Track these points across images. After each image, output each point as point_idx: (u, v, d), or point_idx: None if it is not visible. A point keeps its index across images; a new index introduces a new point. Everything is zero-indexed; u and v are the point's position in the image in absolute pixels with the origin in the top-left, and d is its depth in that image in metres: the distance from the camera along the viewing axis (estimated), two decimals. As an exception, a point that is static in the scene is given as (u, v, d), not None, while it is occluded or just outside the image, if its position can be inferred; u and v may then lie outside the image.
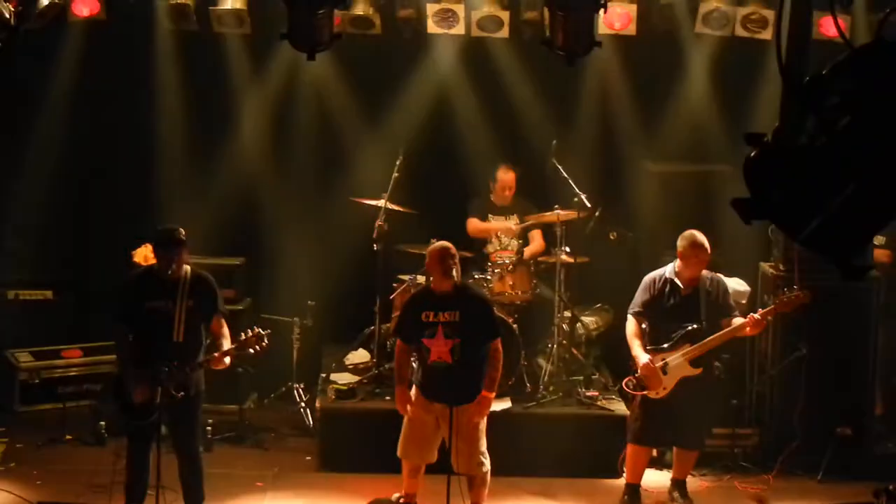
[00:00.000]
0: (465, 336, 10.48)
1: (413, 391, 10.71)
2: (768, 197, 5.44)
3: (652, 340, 11.13)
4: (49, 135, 13.96)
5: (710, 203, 13.19)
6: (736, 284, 12.52)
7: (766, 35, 12.97)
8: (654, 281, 11.21)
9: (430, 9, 13.23)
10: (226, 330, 10.49)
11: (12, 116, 13.88)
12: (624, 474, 11.56)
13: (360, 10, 13.32)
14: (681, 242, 11.04)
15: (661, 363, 10.98)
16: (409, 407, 10.64)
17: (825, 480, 12.22)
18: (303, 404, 13.35)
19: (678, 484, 11.46)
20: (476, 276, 13.08)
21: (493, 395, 10.76)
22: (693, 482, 11.75)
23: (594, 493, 11.99)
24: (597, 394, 12.84)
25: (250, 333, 10.31)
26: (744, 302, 12.49)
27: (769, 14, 13.00)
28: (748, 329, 10.93)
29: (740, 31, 13.13)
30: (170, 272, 10.19)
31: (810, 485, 12.22)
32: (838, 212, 4.81)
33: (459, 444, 10.39)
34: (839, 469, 12.25)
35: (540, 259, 13.53)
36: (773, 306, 11.11)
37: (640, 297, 11.25)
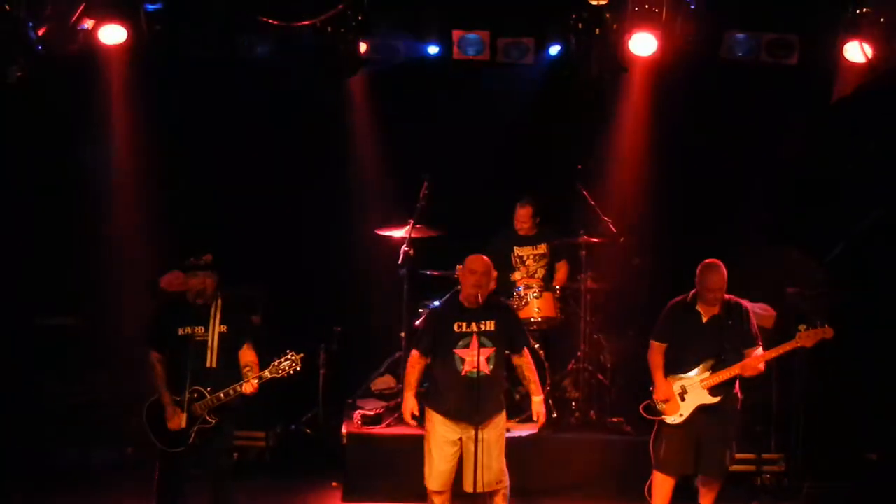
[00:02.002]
0: (499, 345, 10.55)
1: (435, 418, 10.60)
2: (794, 221, 5.49)
3: (672, 366, 11.10)
4: (72, 159, 13.99)
5: (734, 228, 13.23)
6: (761, 310, 12.50)
7: (791, 61, 12.98)
8: (675, 307, 11.20)
9: (456, 35, 13.28)
10: (254, 356, 10.54)
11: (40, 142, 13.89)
12: (650, 501, 11.53)
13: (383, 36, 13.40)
14: (698, 271, 11.02)
15: (679, 389, 10.99)
16: (429, 436, 10.59)
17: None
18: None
19: (705, 510, 11.44)
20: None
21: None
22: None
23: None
24: (622, 419, 12.82)
25: (284, 357, 10.33)
26: (769, 327, 12.47)
27: (794, 40, 12.99)
28: (746, 371, 10.92)
29: (765, 58, 13.12)
30: (200, 298, 10.24)
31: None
32: (864, 235, 4.84)
33: (485, 460, 10.40)
34: (867, 494, 12.20)
35: (565, 284, 13.55)
36: (791, 342, 10.95)
37: (661, 323, 11.24)
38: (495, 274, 10.73)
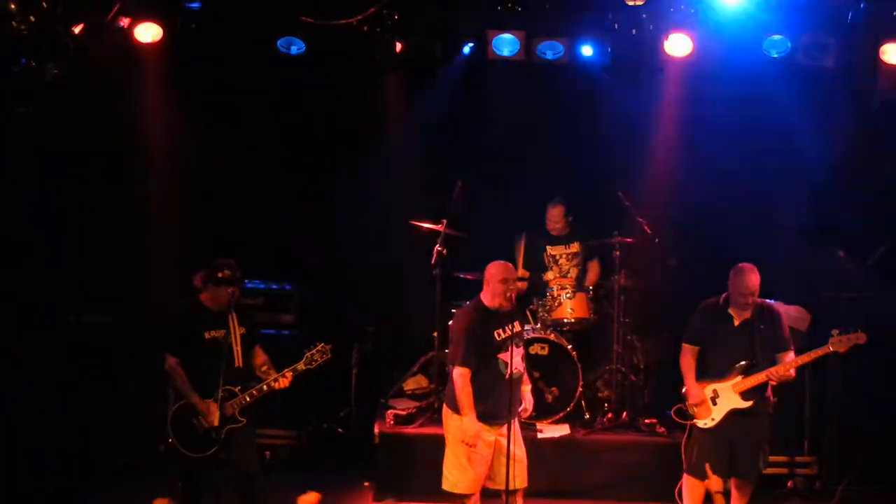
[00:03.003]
0: (523, 343, 10.73)
1: (479, 424, 10.56)
2: (837, 221, 5.46)
3: (704, 370, 11.11)
4: (106, 156, 14.03)
5: (773, 229, 13.19)
6: (795, 313, 12.47)
7: (828, 63, 12.92)
8: (706, 310, 11.18)
9: (491, 35, 13.27)
10: (265, 355, 10.73)
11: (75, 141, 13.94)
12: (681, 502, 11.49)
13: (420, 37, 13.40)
14: (731, 274, 10.98)
15: (711, 393, 10.96)
16: (459, 441, 10.55)
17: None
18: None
19: (737, 513, 11.40)
20: (536, 302, 13.13)
21: None
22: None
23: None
24: (654, 421, 12.80)
25: (315, 349, 10.41)
26: (804, 330, 12.43)
27: (830, 42, 12.92)
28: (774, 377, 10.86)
29: (801, 59, 13.06)
30: (224, 305, 10.35)
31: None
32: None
33: (518, 453, 10.51)
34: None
35: (598, 284, 13.54)
36: (823, 348, 10.84)
37: (693, 326, 11.23)
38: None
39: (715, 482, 11.08)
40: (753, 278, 10.82)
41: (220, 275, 10.42)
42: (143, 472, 12.60)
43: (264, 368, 10.60)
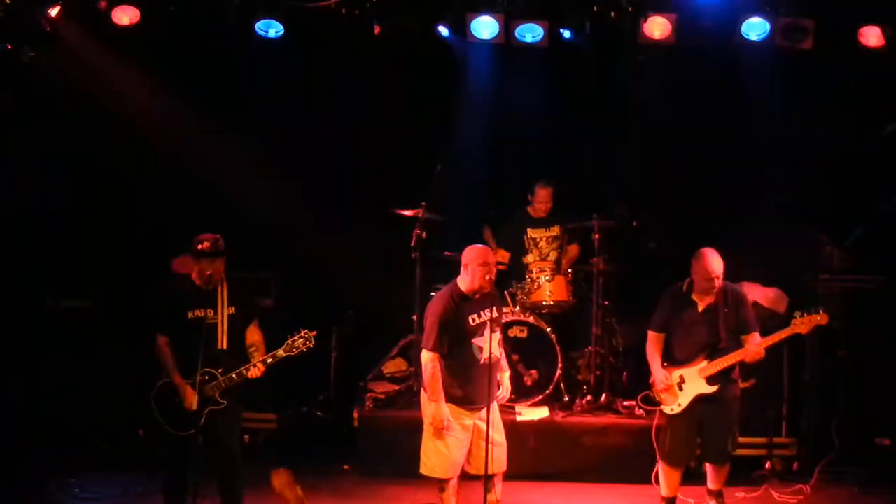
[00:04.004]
0: (499, 327, 10.66)
1: (447, 410, 10.52)
2: (814, 203, 5.48)
3: (671, 356, 11.13)
4: (85, 140, 13.96)
5: (752, 211, 13.22)
6: (773, 295, 12.50)
7: (807, 45, 12.93)
8: (670, 296, 11.20)
9: (470, 17, 13.25)
10: (260, 336, 10.53)
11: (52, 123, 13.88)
12: (660, 490, 11.50)
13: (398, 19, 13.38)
14: (693, 259, 10.99)
15: (677, 379, 11.00)
16: (448, 426, 10.50)
17: (864, 491, 12.18)
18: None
19: (714, 494, 11.39)
20: (515, 285, 13.14)
21: None
22: (729, 492, 11.67)
23: (629, 499, 12.02)
24: (633, 403, 12.82)
25: (298, 335, 10.26)
26: (782, 312, 12.47)
27: (809, 24, 12.93)
28: (746, 358, 10.90)
29: (780, 41, 13.06)
30: (209, 280, 10.22)
31: (849, 495, 12.17)
32: (885, 217, 4.83)
33: (496, 437, 10.47)
34: (878, 479, 12.21)
35: (577, 267, 13.55)
36: (787, 329, 10.93)
37: (657, 313, 11.24)
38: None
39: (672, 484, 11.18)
40: (715, 262, 10.81)
41: (199, 248, 10.20)
42: (123, 456, 12.61)
43: (252, 350, 10.41)
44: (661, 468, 11.31)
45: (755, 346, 10.78)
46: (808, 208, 13.48)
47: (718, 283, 10.85)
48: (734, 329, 10.92)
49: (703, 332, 10.94)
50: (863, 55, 12.88)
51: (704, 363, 10.88)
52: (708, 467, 11.32)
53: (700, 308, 10.98)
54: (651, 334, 11.20)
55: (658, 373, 11.06)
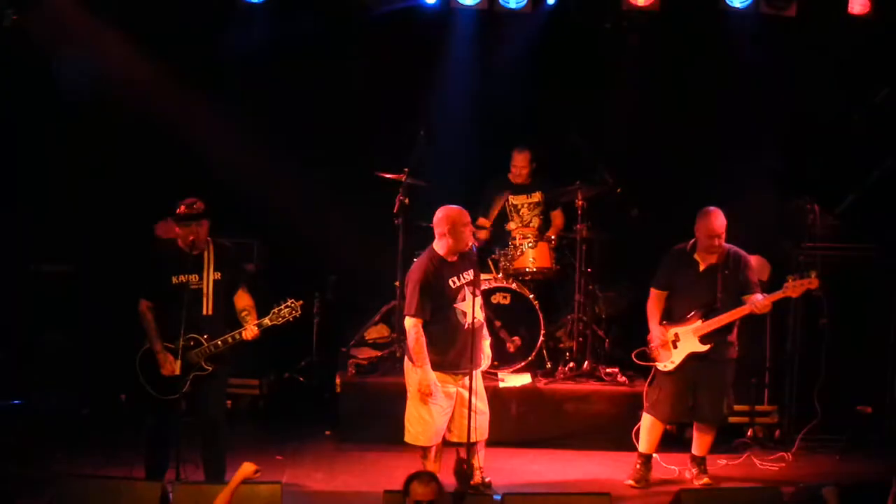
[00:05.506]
0: (479, 290, 10.61)
1: (433, 375, 10.53)
2: (804, 171, 5.46)
3: (670, 314, 11.23)
4: (65, 104, 13.82)
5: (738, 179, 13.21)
6: (755, 263, 12.49)
7: (790, 13, 12.91)
8: (674, 255, 11.29)
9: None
10: (250, 300, 10.50)
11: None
12: (638, 446, 11.52)
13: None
14: (697, 218, 11.04)
15: (672, 337, 11.08)
16: (432, 392, 10.51)
17: (845, 458, 12.22)
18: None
19: (697, 460, 11.45)
20: (498, 252, 13.11)
21: None
22: (712, 459, 11.69)
23: (610, 465, 12.02)
24: (616, 370, 12.83)
25: (284, 304, 10.24)
26: (765, 279, 12.47)
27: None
28: (755, 310, 10.92)
29: (764, 9, 13.03)
30: (193, 245, 10.18)
31: (830, 462, 12.21)
32: (875, 185, 4.81)
33: (480, 405, 10.55)
34: (859, 447, 12.25)
35: (561, 234, 13.52)
36: (780, 292, 10.98)
37: (660, 271, 11.34)
38: None
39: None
40: (719, 221, 10.91)
41: (178, 211, 10.24)
42: (105, 421, 12.58)
43: (244, 314, 10.39)
44: (643, 422, 11.38)
45: (762, 299, 10.83)
46: (798, 175, 13.46)
47: (719, 241, 10.93)
48: (734, 290, 11.00)
49: (702, 292, 11.04)
50: (848, 22, 12.89)
51: (699, 322, 10.97)
52: (695, 433, 11.37)
53: (701, 268, 11.07)
54: (653, 291, 11.30)
55: (655, 329, 11.16)
